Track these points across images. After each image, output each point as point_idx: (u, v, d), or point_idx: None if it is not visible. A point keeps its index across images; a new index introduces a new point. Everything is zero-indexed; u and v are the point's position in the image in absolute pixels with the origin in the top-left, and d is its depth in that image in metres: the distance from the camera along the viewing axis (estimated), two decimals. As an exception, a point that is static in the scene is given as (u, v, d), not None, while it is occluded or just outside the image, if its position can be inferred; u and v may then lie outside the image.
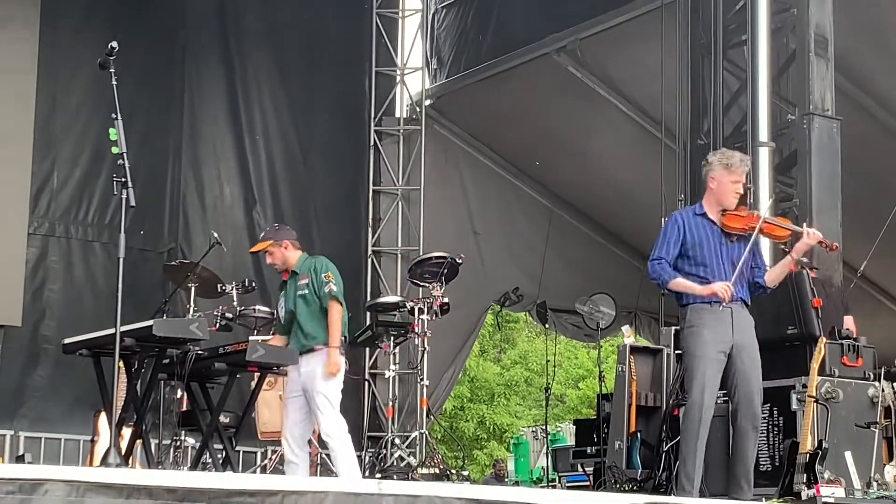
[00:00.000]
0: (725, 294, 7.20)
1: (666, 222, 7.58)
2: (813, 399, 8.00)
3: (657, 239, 7.48)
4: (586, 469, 12.20)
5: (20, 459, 11.38)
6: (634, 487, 9.53)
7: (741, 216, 7.43)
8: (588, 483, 11.93)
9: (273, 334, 9.29)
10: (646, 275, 7.62)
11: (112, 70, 6.55)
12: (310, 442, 10.07)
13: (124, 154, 6.35)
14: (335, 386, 8.29)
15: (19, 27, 12.36)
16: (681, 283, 7.35)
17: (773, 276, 7.56)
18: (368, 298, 14.09)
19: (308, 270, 8.44)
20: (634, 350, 10.69)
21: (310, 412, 8.32)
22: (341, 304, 8.30)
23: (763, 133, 10.61)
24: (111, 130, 6.38)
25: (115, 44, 6.50)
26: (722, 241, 7.39)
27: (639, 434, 10.12)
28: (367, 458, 12.15)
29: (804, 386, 8.25)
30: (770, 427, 8.69)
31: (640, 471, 9.91)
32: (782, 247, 7.83)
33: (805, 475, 7.62)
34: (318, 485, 4.79)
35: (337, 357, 8.24)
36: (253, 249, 8.72)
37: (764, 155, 10.56)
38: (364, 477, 10.00)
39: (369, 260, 14.87)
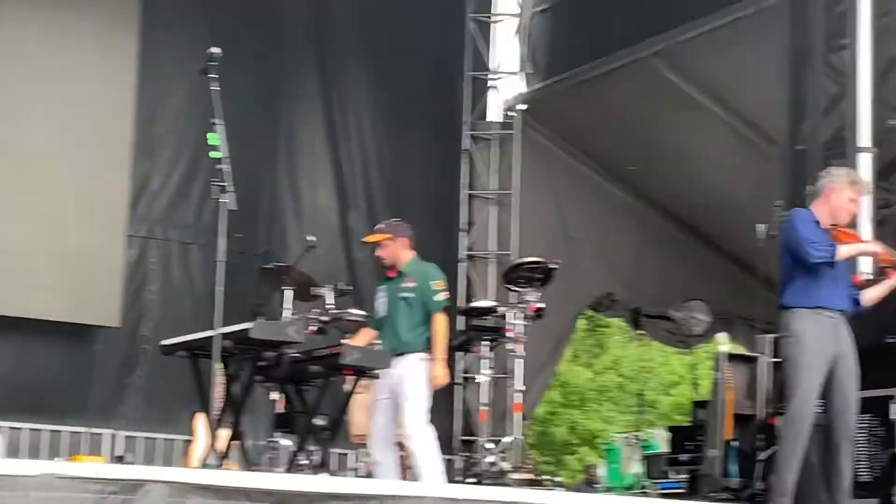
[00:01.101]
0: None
1: (794, 217, 7.46)
2: (913, 409, 7.87)
3: (798, 234, 7.33)
4: (680, 476, 12.09)
5: (120, 460, 11.58)
6: (730, 496, 9.43)
7: (850, 234, 7.36)
8: (682, 490, 11.82)
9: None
10: (811, 263, 7.34)
11: (213, 76, 6.62)
12: (400, 444, 10.14)
13: (224, 159, 6.41)
14: (425, 392, 8.25)
15: (120, 33, 12.55)
16: (846, 247, 7.23)
17: (872, 295, 7.47)
18: (462, 303, 14.10)
19: (417, 275, 8.36)
20: (731, 357, 10.57)
21: (394, 415, 8.27)
22: (448, 316, 8.25)
23: (864, 138, 10.45)
24: (211, 135, 6.45)
25: (216, 50, 6.58)
26: None
27: (734, 442, 10.01)
28: (460, 462, 12.15)
29: (904, 396, 8.12)
30: (869, 437, 8.56)
31: (735, 480, 9.79)
32: (885, 266, 7.69)
33: (905, 486, 7.50)
34: (414, 489, 4.80)
35: (443, 369, 8.21)
36: (367, 239, 8.65)
37: (864, 161, 10.40)
38: (457, 482, 10.01)
39: (463, 265, 14.87)
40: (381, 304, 8.58)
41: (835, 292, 7.27)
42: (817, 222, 7.36)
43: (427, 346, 8.29)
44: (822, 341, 7.17)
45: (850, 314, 7.40)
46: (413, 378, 8.20)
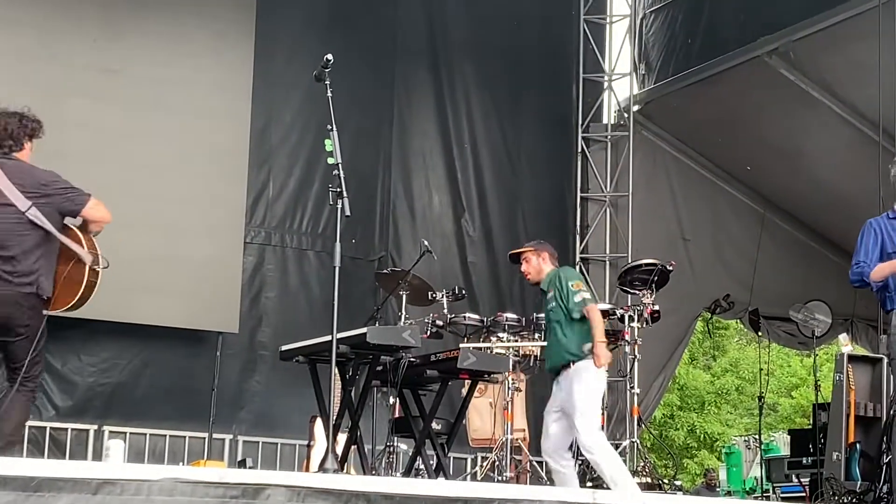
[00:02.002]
0: None
1: (861, 231, 7.37)
2: None
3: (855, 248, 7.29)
4: (802, 480, 11.94)
5: (242, 464, 11.71)
6: (854, 500, 9.27)
7: None
8: (803, 494, 11.67)
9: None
10: (852, 283, 7.39)
11: (327, 82, 6.67)
12: (519, 449, 10.13)
13: (339, 164, 6.45)
14: (593, 401, 8.08)
15: (235, 43, 12.72)
16: (880, 267, 7.12)
17: None
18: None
19: (551, 284, 8.24)
20: (852, 359, 10.41)
21: (566, 427, 8.10)
22: (595, 304, 8.12)
23: None
24: (326, 142, 6.49)
25: (330, 56, 6.62)
26: None
27: (857, 445, 9.84)
28: (578, 466, 12.10)
29: None
30: None
31: (859, 483, 9.63)
32: None
33: None
34: (532, 493, 4.78)
35: (604, 350, 8.01)
36: (513, 252, 8.57)
37: None
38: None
39: (577, 267, 14.82)
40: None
41: None
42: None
43: (586, 352, 8.05)
44: None
45: None
46: (577, 389, 7.99)
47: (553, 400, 8.12)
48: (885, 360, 9.97)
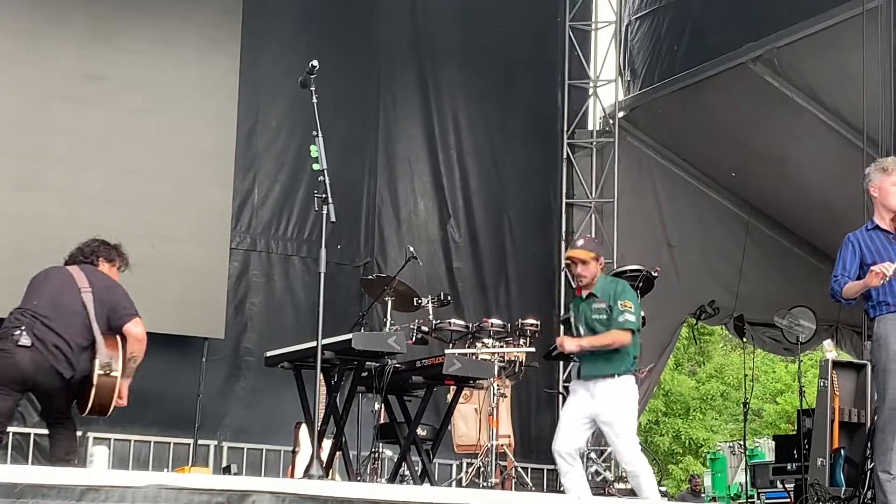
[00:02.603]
0: (888, 269, 6.95)
1: (840, 246, 7.41)
2: None
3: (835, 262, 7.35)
4: (786, 486, 11.96)
5: (226, 471, 11.69)
6: (838, 506, 9.30)
7: None
8: (788, 500, 11.69)
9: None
10: (831, 296, 7.44)
11: (312, 88, 6.67)
12: (504, 455, 10.13)
13: (325, 170, 6.46)
14: (634, 418, 8.01)
15: (221, 51, 12.72)
16: (851, 285, 7.17)
17: None
18: (562, 312, 14.06)
19: (604, 294, 8.07)
20: (837, 365, 10.44)
21: (581, 429, 8.04)
22: (634, 334, 7.87)
23: (969, 141, 10.26)
24: (312, 147, 6.50)
25: (315, 62, 6.63)
26: None
27: (842, 451, 9.87)
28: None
29: None
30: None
31: (843, 488, 9.66)
32: None
33: None
34: (517, 499, 4.79)
35: (572, 341, 7.96)
36: (573, 254, 8.26)
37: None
38: (559, 492, 9.97)
39: (563, 273, 14.82)
40: (581, 322, 8.23)
41: None
42: (877, 228, 7.28)
43: (630, 368, 7.98)
44: None
45: None
46: (620, 407, 7.93)
47: (581, 406, 7.92)
48: (870, 367, 10.01)
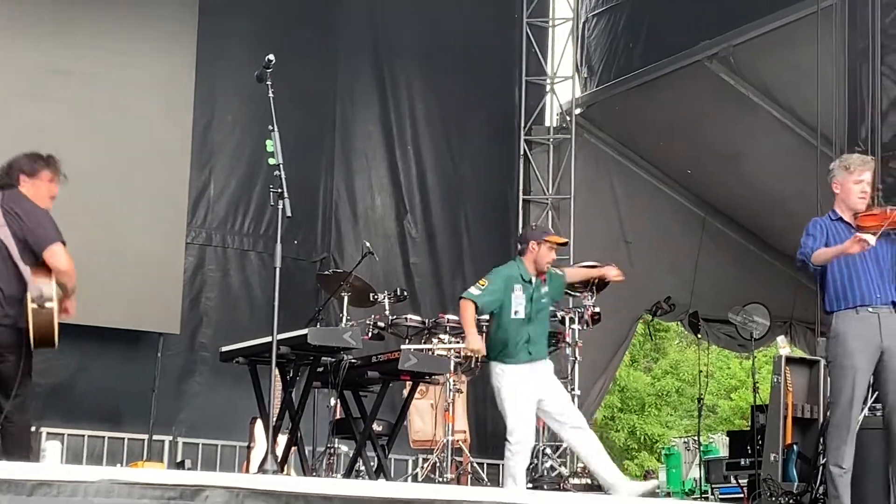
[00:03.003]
0: (870, 241, 7.01)
1: (808, 224, 7.47)
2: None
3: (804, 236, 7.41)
4: (740, 481, 12.02)
5: (180, 465, 11.65)
6: (791, 501, 9.35)
7: (874, 214, 7.32)
8: (742, 495, 11.76)
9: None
10: (797, 267, 7.53)
11: (269, 83, 6.66)
12: (460, 451, 10.14)
13: (281, 165, 6.45)
14: None
15: (178, 45, 12.65)
16: (822, 251, 7.24)
17: None
18: (518, 308, 14.06)
19: (552, 277, 8.68)
20: (790, 361, 10.49)
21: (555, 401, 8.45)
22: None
23: (923, 140, 10.35)
24: (268, 142, 6.48)
25: (271, 57, 6.62)
26: None
27: (795, 447, 9.94)
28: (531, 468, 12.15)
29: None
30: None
31: (796, 484, 9.72)
32: None
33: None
34: (473, 494, 4.79)
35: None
36: (561, 241, 8.76)
37: (923, 162, 10.31)
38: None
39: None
40: (518, 303, 8.54)
41: (876, 287, 7.22)
42: (840, 219, 7.36)
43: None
44: (866, 339, 7.12)
45: None
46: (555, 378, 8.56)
47: (533, 390, 8.31)
48: (823, 363, 10.09)
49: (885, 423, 7.30)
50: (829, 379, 7.51)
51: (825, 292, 7.37)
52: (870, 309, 7.15)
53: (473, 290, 8.45)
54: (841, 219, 7.39)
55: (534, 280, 8.55)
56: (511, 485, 8.19)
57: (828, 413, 9.24)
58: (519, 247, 8.83)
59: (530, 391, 8.40)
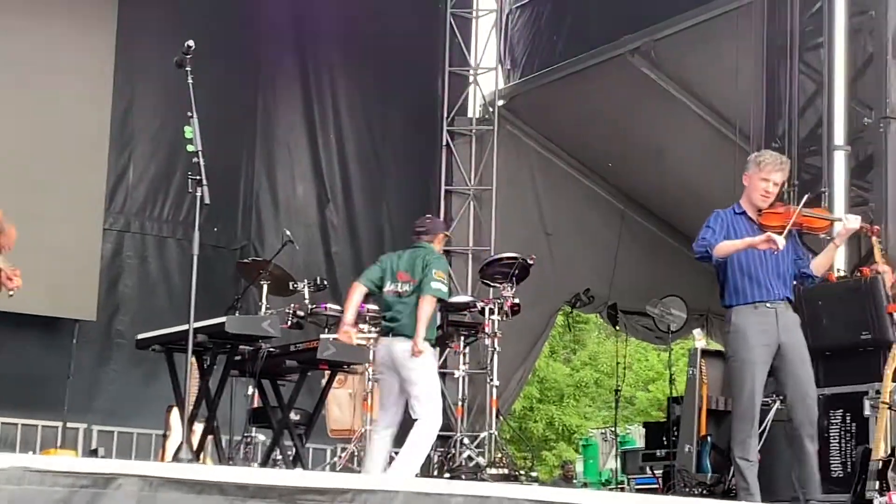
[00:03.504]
0: (780, 242, 7.10)
1: (709, 217, 7.56)
2: (886, 405, 7.89)
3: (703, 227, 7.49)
4: (655, 472, 12.14)
5: (94, 454, 11.54)
6: (704, 492, 9.46)
7: (778, 213, 7.43)
8: (657, 486, 11.87)
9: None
10: (694, 257, 7.61)
11: (188, 69, 6.61)
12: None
13: (199, 152, 6.41)
14: None
15: (97, 28, 12.52)
16: (726, 243, 7.31)
17: (818, 263, 7.55)
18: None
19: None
20: (705, 353, 10.61)
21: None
22: None
23: (839, 137, 10.50)
24: (186, 129, 6.44)
25: (191, 43, 6.56)
26: None
27: (709, 438, 10.05)
28: (436, 457, 12.16)
29: (878, 392, 8.14)
30: (843, 433, 8.61)
31: (709, 475, 9.83)
32: (824, 236, 7.80)
33: (878, 482, 7.52)
34: (388, 484, 4.80)
35: None
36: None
37: (840, 159, 10.46)
38: (433, 476, 10.03)
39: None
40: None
41: (773, 284, 7.34)
42: (743, 214, 7.47)
43: None
44: (764, 334, 7.24)
45: (795, 299, 7.51)
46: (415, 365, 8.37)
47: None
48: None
49: (787, 418, 7.43)
50: (730, 373, 7.61)
51: (724, 287, 7.49)
52: (767, 304, 7.28)
53: (441, 287, 8.38)
54: (744, 213, 7.48)
55: None
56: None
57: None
58: (428, 235, 8.85)
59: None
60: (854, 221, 7.47)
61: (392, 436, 8.45)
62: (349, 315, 8.41)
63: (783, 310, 7.33)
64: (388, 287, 8.44)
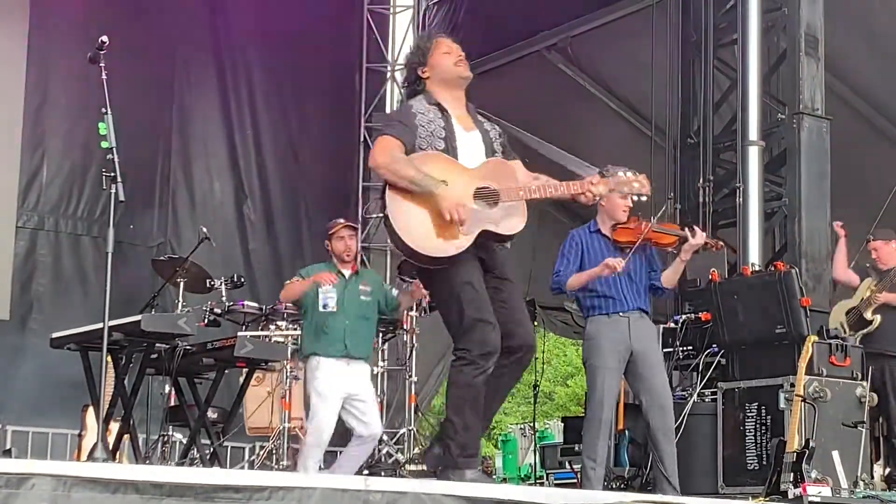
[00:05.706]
0: (618, 265, 7.38)
1: (565, 241, 7.78)
2: (801, 398, 8.03)
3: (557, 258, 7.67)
4: (574, 467, 12.20)
5: (7, 454, 11.36)
6: (622, 485, 9.53)
7: (630, 228, 7.72)
8: (575, 480, 11.93)
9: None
10: (552, 291, 8.07)
11: (102, 64, 6.54)
12: (297, 438, 10.11)
13: (114, 148, 6.35)
14: None
15: (9, 22, 12.35)
16: (575, 278, 7.68)
17: (668, 276, 7.81)
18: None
19: (376, 283, 8.53)
20: (623, 348, 10.66)
21: None
22: None
23: (753, 132, 10.62)
24: (101, 125, 6.37)
25: (105, 38, 6.49)
26: (615, 255, 7.57)
27: (627, 432, 10.12)
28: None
29: (792, 385, 8.28)
30: (758, 426, 8.72)
31: (627, 468, 9.91)
32: (672, 251, 8.02)
33: (792, 474, 7.65)
34: (305, 481, 4.79)
35: None
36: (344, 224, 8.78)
37: (753, 154, 10.58)
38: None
39: (360, 257, 14.81)
40: (331, 297, 8.41)
41: (626, 296, 7.59)
42: (598, 231, 7.66)
43: None
44: (616, 341, 7.50)
45: (650, 308, 7.85)
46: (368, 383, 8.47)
47: (351, 387, 8.26)
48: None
49: (644, 421, 7.81)
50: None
51: (580, 302, 7.77)
52: (620, 314, 7.53)
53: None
54: (599, 231, 7.69)
55: (346, 274, 8.54)
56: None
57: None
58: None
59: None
60: (699, 237, 7.82)
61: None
62: None
63: (636, 319, 7.66)
64: None
